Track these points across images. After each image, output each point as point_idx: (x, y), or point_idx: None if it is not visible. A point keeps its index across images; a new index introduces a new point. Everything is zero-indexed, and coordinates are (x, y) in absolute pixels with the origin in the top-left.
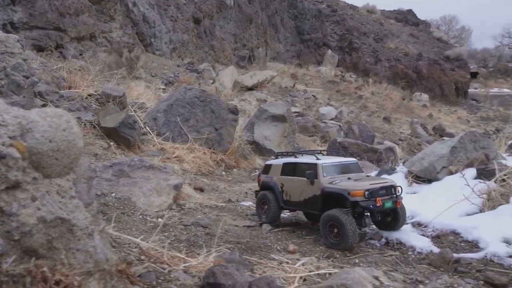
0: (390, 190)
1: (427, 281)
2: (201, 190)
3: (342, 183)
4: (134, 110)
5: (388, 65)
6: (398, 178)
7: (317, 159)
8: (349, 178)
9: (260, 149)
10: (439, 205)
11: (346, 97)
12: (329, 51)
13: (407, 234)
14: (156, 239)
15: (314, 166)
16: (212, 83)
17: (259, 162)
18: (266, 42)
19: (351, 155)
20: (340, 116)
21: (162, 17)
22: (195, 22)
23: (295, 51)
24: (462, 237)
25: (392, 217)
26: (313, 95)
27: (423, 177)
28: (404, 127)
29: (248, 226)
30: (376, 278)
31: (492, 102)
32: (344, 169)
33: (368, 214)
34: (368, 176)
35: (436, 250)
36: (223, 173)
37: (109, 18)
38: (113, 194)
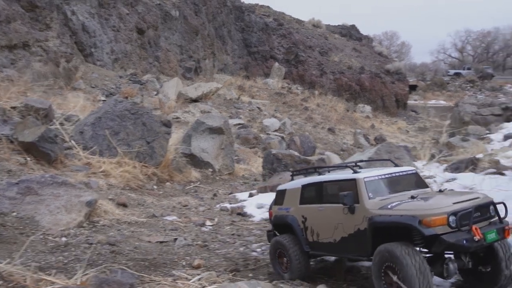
0: (489, 211)
1: None
2: (124, 205)
3: (404, 205)
4: (61, 123)
5: (333, 78)
6: None
7: (355, 172)
8: (412, 197)
9: (197, 162)
10: None
11: (292, 108)
12: (276, 64)
13: None
14: (22, 261)
15: (352, 184)
16: (155, 95)
17: (195, 175)
18: (213, 54)
19: (285, 167)
20: (284, 128)
21: (103, 26)
22: (138, 32)
23: (242, 63)
24: None
25: (490, 261)
26: (257, 107)
27: None
28: (347, 137)
29: (161, 242)
30: None
31: (429, 113)
32: (400, 184)
33: (452, 256)
34: (440, 191)
35: None
36: (155, 187)
37: (44, 27)
38: (14, 213)
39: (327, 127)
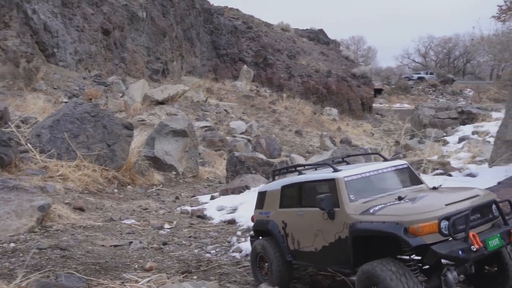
0: (491, 211)
1: None
2: (80, 209)
3: (388, 209)
4: (17, 126)
5: (300, 81)
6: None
7: (335, 170)
8: (400, 198)
9: (160, 165)
10: None
11: (260, 111)
12: (245, 66)
13: None
14: None
15: (331, 184)
16: (121, 97)
17: (158, 178)
18: (181, 56)
19: (248, 170)
20: (251, 130)
21: (66, 26)
22: (104, 33)
23: (211, 65)
24: None
25: (497, 265)
26: (225, 110)
27: None
28: (314, 140)
29: (116, 246)
30: None
31: (394, 116)
32: (389, 182)
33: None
34: (435, 188)
35: None
36: (115, 190)
37: (3, 25)
38: None
39: (295, 129)
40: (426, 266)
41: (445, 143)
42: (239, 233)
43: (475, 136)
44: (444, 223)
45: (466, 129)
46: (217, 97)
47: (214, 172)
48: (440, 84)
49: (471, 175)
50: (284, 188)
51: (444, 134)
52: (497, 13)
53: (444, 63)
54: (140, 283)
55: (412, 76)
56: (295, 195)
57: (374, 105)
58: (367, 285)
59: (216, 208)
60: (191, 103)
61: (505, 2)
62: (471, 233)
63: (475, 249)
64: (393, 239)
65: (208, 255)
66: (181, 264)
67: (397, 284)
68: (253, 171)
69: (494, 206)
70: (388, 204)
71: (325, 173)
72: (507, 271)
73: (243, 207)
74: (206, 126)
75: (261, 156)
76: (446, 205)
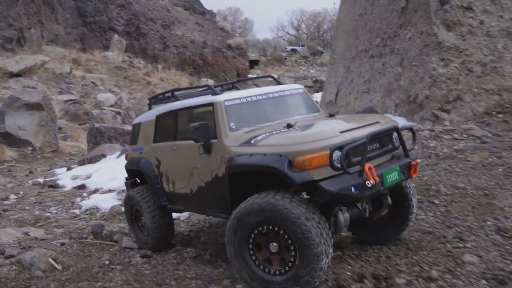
0: (391, 141)
1: None
2: None
3: (272, 138)
4: None
5: (176, 52)
6: None
7: (215, 94)
8: (289, 126)
9: (13, 141)
10: None
11: (134, 83)
12: (116, 36)
13: None
14: None
15: (209, 110)
16: None
17: (10, 154)
18: (40, 23)
19: (109, 140)
20: (121, 103)
21: None
22: None
23: (77, 34)
24: None
25: (394, 204)
26: (92, 82)
27: None
28: None
29: None
30: (26, 233)
31: (269, 86)
32: (281, 108)
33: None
34: (331, 115)
35: None
36: None
37: None
38: None
39: None
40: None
41: None
42: (85, 194)
43: None
44: (336, 154)
45: (319, 96)
46: (85, 69)
47: (78, 146)
48: (311, 56)
49: None
50: (159, 118)
51: None
52: None
53: (314, 36)
54: None
55: (286, 48)
56: (170, 126)
57: (249, 76)
58: (267, 222)
59: (70, 177)
60: (53, 75)
61: None
62: (367, 165)
63: (370, 185)
64: (277, 175)
65: (48, 214)
66: (18, 223)
67: (310, 224)
68: (113, 141)
69: (395, 135)
70: (274, 133)
71: (205, 98)
72: (407, 208)
73: (97, 174)
74: (70, 100)
75: (124, 126)
76: (341, 132)
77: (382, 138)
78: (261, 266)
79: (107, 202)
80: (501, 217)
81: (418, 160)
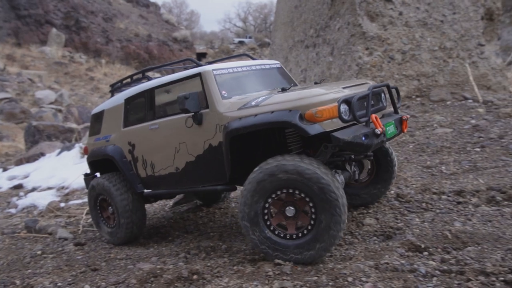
0: (381, 99)
1: None
2: None
3: (275, 97)
4: None
5: (120, 46)
6: (72, 153)
7: (199, 65)
8: (284, 89)
9: None
10: None
11: (76, 79)
12: (54, 30)
13: None
14: None
15: (195, 82)
16: None
17: None
18: None
19: (48, 138)
20: (61, 100)
21: None
22: None
23: (10, 28)
24: None
25: (377, 162)
26: (29, 79)
27: None
28: None
29: None
30: None
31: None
32: (263, 80)
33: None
34: (316, 83)
35: None
36: None
37: None
38: None
39: None
40: None
41: None
42: (22, 193)
43: None
44: (344, 107)
45: None
46: (21, 65)
47: (16, 146)
48: (258, 47)
49: None
50: (129, 100)
51: None
52: None
53: (262, 28)
54: None
55: (234, 40)
56: (146, 106)
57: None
58: (291, 185)
59: (6, 178)
60: None
61: None
62: (373, 115)
63: (379, 132)
64: (288, 128)
65: None
66: None
67: (340, 193)
68: (53, 139)
69: (383, 95)
70: (273, 94)
71: (187, 71)
72: (391, 162)
73: (35, 173)
74: (5, 98)
75: (67, 124)
76: (343, 88)
77: (374, 96)
78: (276, 231)
79: (45, 199)
80: (403, 186)
81: (408, 116)
